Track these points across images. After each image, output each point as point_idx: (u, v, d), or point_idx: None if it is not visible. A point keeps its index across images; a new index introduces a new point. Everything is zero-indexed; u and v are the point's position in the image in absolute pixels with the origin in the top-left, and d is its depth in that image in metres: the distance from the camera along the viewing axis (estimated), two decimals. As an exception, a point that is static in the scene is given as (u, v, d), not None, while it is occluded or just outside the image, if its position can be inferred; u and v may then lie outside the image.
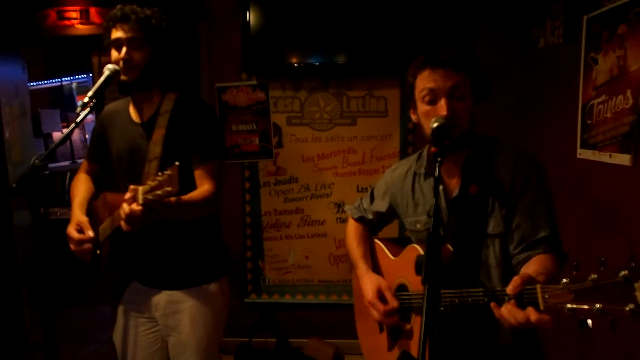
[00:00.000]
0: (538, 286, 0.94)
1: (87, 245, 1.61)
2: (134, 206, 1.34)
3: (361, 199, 1.69)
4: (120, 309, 1.80)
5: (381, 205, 1.60)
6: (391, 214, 1.60)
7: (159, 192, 1.28)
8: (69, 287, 3.59)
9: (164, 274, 1.71)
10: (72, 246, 1.63)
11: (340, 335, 3.16)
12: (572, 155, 2.25)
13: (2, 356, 3.22)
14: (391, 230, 1.81)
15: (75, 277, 3.14)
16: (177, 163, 1.28)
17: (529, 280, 0.99)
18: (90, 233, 1.60)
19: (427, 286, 0.98)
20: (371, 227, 1.68)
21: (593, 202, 2.14)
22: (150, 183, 1.30)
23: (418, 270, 1.34)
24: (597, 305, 0.81)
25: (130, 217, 1.35)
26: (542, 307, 0.93)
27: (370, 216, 1.64)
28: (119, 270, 1.77)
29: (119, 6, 1.61)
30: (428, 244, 1.03)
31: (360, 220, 1.67)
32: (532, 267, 1.18)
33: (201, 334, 1.70)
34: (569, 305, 0.86)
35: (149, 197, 1.29)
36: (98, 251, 1.65)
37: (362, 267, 1.57)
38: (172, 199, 1.29)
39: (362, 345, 1.70)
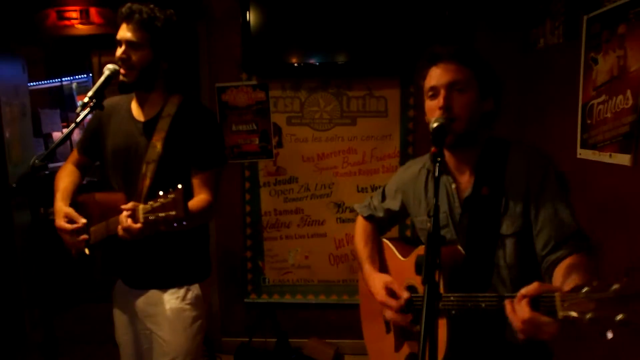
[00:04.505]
0: (557, 294, 0.92)
1: (83, 236, 1.57)
2: (132, 223, 1.37)
3: (371, 197, 1.67)
4: (114, 309, 1.80)
5: (393, 204, 1.58)
6: (403, 212, 1.58)
7: (161, 214, 1.28)
8: (69, 287, 3.58)
9: (144, 272, 1.69)
10: (66, 237, 1.59)
11: (340, 335, 3.16)
12: (572, 155, 2.25)
13: (2, 356, 3.22)
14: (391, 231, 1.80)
15: (74, 277, 3.14)
16: (180, 186, 1.26)
17: (548, 289, 0.97)
18: (83, 220, 1.57)
19: (426, 287, 0.98)
20: (381, 225, 1.65)
21: (593, 202, 2.14)
22: (152, 204, 1.31)
23: (418, 271, 1.35)
24: (619, 316, 0.80)
25: (128, 231, 1.39)
26: (560, 316, 0.91)
27: (380, 214, 1.62)
28: (112, 272, 1.76)
29: (128, 4, 1.57)
30: (428, 244, 1.02)
31: (369, 218, 1.65)
32: (560, 271, 1.15)
33: (181, 339, 1.67)
34: (588, 316, 0.84)
35: (151, 217, 1.31)
36: (87, 251, 1.61)
37: (367, 269, 1.55)
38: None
39: (367, 347, 1.69)
